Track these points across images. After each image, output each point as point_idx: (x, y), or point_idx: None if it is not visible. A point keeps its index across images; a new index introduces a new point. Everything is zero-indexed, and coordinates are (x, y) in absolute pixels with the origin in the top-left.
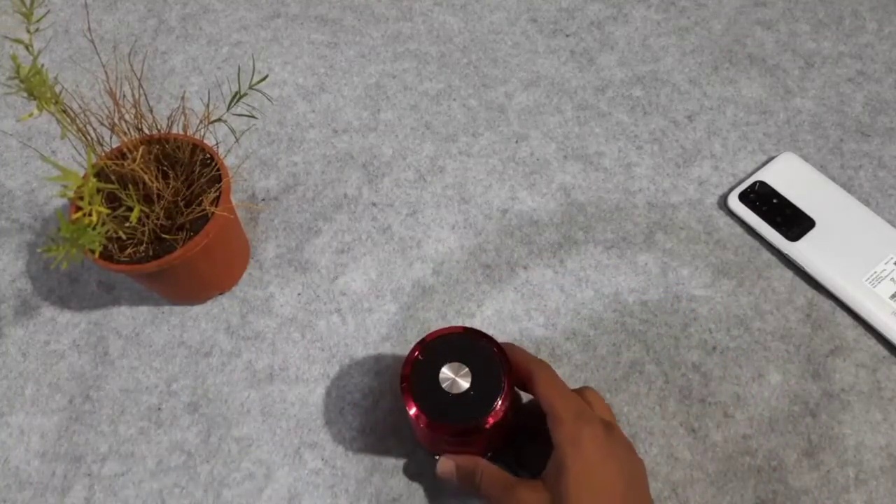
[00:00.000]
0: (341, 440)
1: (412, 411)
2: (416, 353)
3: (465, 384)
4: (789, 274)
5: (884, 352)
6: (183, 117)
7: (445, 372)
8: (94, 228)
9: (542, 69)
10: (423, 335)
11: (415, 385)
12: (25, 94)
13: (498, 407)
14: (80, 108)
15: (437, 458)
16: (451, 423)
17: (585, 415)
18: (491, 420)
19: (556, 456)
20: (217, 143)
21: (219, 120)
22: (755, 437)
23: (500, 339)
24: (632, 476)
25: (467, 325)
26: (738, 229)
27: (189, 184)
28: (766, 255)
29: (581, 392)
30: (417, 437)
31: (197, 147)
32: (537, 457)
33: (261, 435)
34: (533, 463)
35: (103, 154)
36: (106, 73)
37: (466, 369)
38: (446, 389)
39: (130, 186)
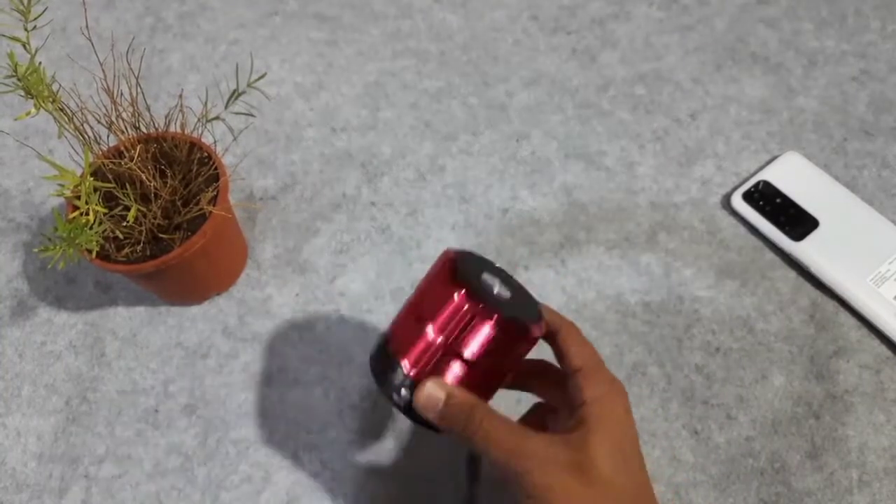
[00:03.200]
0: (340, 442)
1: (459, 293)
2: (454, 253)
3: (506, 293)
4: (793, 274)
5: (888, 353)
6: (180, 115)
7: (487, 277)
8: (90, 228)
9: (543, 67)
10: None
11: (461, 270)
12: (23, 93)
13: (542, 323)
14: (78, 106)
15: (421, 382)
16: (504, 314)
17: (615, 378)
18: (537, 332)
19: (588, 412)
20: (215, 142)
21: (216, 118)
22: (758, 438)
23: None
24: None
25: None
26: (742, 229)
27: (186, 183)
28: (770, 255)
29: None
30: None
31: (194, 146)
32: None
33: (259, 437)
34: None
35: (100, 153)
36: (103, 71)
37: (504, 283)
38: (492, 287)
39: (128, 185)
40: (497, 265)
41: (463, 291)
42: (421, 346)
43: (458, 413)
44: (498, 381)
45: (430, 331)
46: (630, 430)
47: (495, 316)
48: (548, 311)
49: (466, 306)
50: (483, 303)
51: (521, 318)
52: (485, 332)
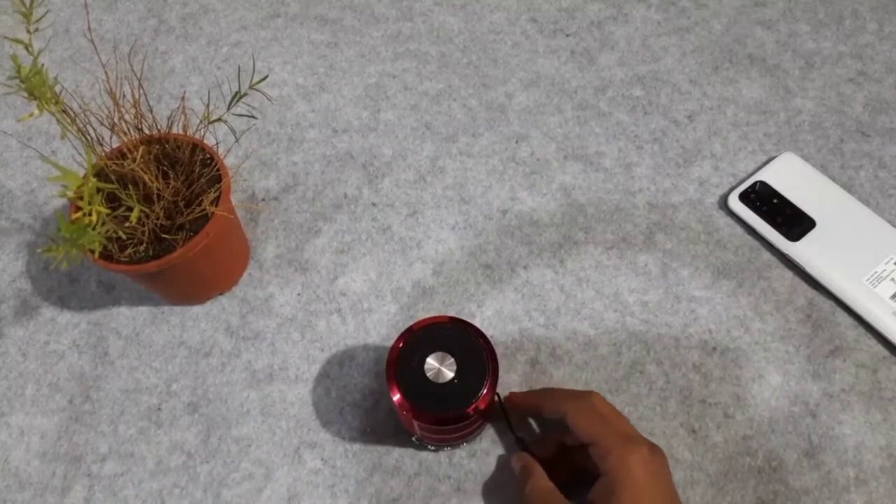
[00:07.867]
0: (341, 440)
1: (396, 398)
2: (402, 342)
3: (449, 374)
4: (789, 274)
5: (884, 352)
6: (183, 117)
7: (430, 362)
8: (93, 228)
9: (542, 69)
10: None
11: (400, 373)
12: (25, 95)
13: (481, 398)
14: (80, 108)
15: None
16: (434, 411)
17: (632, 438)
18: (472, 410)
19: (606, 482)
20: (217, 143)
21: (219, 120)
22: (755, 437)
23: (501, 338)
24: (674, 496)
25: None
26: (739, 229)
27: (189, 184)
28: (767, 255)
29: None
30: (402, 421)
31: (197, 147)
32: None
33: (260, 435)
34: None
35: (103, 154)
36: (106, 72)
37: (451, 359)
38: (431, 379)
39: (130, 186)
40: (449, 322)
41: (399, 396)
42: (409, 427)
43: (520, 478)
44: (477, 424)
45: (404, 421)
46: (652, 496)
47: (425, 416)
48: (554, 395)
49: (405, 411)
50: (411, 409)
51: (452, 410)
52: (425, 423)
